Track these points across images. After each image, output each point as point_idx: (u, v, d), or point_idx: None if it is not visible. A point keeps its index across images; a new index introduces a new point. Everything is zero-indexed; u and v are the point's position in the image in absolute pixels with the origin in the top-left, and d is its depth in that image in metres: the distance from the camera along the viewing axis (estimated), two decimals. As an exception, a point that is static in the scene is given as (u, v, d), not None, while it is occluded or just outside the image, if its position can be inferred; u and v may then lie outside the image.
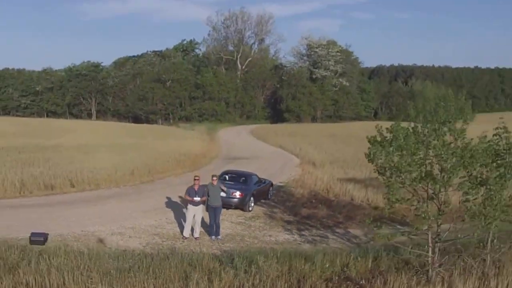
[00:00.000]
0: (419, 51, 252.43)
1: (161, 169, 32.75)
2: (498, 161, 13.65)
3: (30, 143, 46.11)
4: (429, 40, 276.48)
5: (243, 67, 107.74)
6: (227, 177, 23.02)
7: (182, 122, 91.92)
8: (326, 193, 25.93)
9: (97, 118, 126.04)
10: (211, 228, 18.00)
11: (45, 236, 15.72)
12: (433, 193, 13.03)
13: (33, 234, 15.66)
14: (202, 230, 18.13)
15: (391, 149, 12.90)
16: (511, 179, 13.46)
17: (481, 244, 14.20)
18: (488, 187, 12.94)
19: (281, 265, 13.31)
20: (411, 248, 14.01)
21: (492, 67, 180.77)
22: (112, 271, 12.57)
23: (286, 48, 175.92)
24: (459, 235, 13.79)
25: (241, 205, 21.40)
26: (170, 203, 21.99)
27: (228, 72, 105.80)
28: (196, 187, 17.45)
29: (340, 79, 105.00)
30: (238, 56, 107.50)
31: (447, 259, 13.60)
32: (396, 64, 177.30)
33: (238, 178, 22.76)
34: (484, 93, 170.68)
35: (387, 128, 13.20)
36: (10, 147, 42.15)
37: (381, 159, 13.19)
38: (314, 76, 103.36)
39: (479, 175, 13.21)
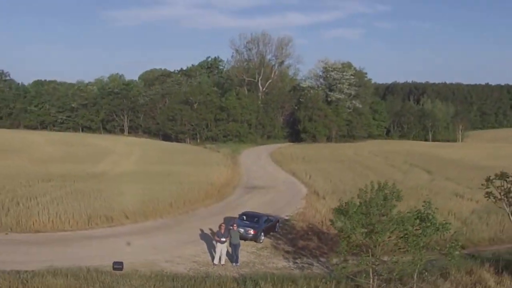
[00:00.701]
0: (433, 67, 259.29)
1: (193, 199, 40.29)
2: (422, 224, 20.97)
3: (79, 171, 53.90)
4: (445, 51, 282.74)
5: (264, 88, 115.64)
6: (244, 217, 30.52)
7: (208, 142, 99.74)
8: (321, 225, 33.15)
9: (129, 133, 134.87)
10: (232, 257, 25.60)
11: (122, 264, 23.35)
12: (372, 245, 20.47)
13: (114, 262, 23.24)
14: (227, 258, 25.68)
15: (346, 217, 20.42)
16: (432, 234, 20.86)
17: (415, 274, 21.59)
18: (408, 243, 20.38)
19: (276, 287, 20.77)
20: (364, 276, 21.32)
21: (502, 83, 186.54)
22: (171, 290, 20.20)
23: (304, 69, 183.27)
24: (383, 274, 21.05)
25: (255, 239, 28.92)
26: (203, 235, 29.57)
27: (250, 93, 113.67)
28: (222, 231, 25.14)
29: (354, 101, 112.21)
30: (259, 78, 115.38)
31: (385, 286, 20.92)
32: (410, 81, 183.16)
33: (252, 219, 30.22)
34: (493, 110, 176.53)
35: (345, 203, 20.73)
36: (65, 175, 49.83)
37: (340, 222, 20.72)
38: (329, 99, 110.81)
39: (405, 233, 20.61)
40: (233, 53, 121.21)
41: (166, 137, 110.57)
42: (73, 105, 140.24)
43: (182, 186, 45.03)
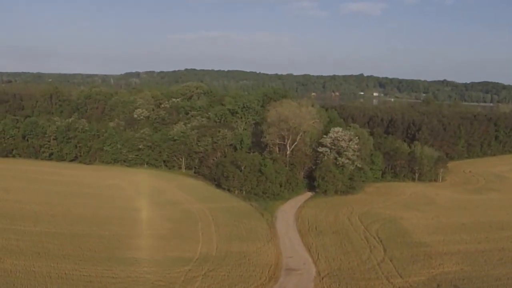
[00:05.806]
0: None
1: (265, 281, 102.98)
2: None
3: (209, 253, 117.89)
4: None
5: (291, 148, 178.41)
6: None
7: (252, 198, 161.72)
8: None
9: (186, 169, 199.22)
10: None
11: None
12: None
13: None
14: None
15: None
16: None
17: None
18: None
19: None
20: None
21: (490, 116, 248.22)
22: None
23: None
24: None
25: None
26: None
27: (280, 154, 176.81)
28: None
29: (356, 163, 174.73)
30: (288, 141, 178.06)
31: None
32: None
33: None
34: (479, 141, 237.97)
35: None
36: (203, 260, 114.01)
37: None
38: (337, 163, 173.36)
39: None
40: (268, 123, 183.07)
41: (218, 186, 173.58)
42: (140, 146, 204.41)
43: (257, 269, 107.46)
